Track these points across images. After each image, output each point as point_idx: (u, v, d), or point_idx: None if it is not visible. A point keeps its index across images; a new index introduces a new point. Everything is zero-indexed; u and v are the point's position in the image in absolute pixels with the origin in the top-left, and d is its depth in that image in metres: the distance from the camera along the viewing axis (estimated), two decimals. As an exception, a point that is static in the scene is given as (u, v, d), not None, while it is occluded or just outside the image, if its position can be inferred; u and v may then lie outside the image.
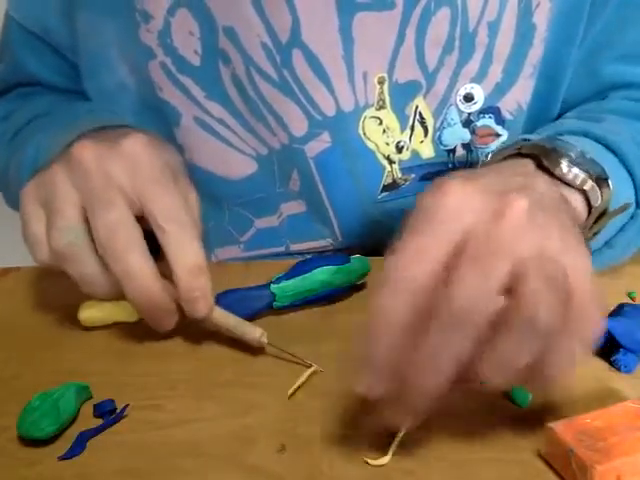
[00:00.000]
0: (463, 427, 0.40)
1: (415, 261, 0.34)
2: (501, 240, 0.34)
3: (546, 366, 0.35)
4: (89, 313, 0.48)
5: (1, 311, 0.51)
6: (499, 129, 0.59)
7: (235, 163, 0.59)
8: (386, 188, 0.59)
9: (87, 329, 0.49)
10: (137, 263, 0.43)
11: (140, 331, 0.48)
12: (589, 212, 0.43)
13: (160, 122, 0.59)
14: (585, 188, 0.42)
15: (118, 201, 0.44)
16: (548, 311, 0.33)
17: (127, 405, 0.42)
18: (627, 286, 0.52)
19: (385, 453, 0.38)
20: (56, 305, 0.51)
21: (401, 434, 0.39)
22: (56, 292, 0.53)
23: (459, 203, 0.35)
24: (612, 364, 0.45)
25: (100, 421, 0.41)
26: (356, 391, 0.35)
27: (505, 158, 0.44)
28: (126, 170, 0.45)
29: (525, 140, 0.45)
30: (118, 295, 0.44)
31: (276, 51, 0.55)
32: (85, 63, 0.61)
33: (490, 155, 0.46)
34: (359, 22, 0.54)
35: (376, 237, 0.60)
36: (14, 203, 0.70)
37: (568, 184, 0.42)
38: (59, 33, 0.61)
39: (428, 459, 0.38)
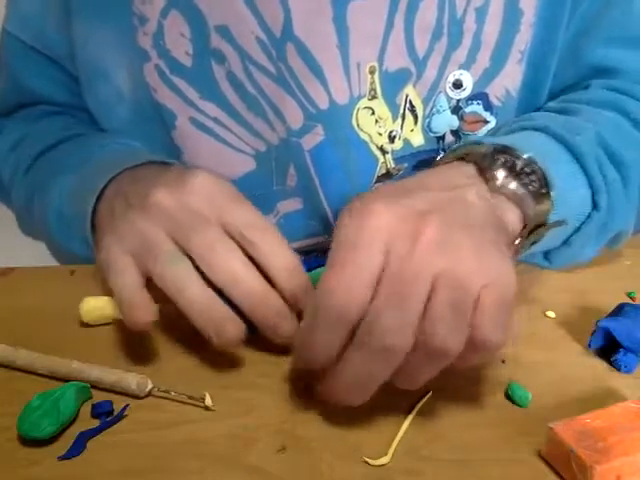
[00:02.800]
0: (463, 427, 0.40)
1: (341, 298, 0.37)
2: (414, 266, 0.36)
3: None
4: (90, 310, 0.48)
5: (1, 311, 0.51)
6: (487, 115, 0.59)
7: (233, 162, 0.59)
8: (380, 179, 0.60)
9: (87, 326, 0.49)
10: (242, 269, 0.43)
11: (140, 331, 0.48)
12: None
13: (157, 127, 0.59)
14: (519, 202, 0.42)
15: (208, 223, 0.44)
16: (446, 339, 0.36)
17: (127, 405, 0.42)
18: (627, 286, 0.52)
19: (385, 453, 0.38)
20: (56, 305, 0.51)
21: (401, 434, 0.39)
22: (56, 292, 0.53)
23: (378, 227, 0.37)
24: (612, 364, 0.45)
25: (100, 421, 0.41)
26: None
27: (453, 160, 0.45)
28: (204, 199, 0.45)
29: (476, 143, 0.45)
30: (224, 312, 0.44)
31: (271, 45, 0.55)
32: (83, 73, 0.61)
33: (439, 157, 0.47)
34: (352, 11, 0.54)
35: None
36: (33, 233, 0.70)
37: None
38: (58, 44, 0.61)
39: (428, 459, 0.38)
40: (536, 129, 0.50)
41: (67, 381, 0.43)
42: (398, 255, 0.36)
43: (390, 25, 0.55)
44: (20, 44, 0.63)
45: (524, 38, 0.57)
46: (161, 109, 0.58)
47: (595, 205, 0.48)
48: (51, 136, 0.64)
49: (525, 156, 0.43)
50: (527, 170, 0.43)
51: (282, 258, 0.44)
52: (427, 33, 0.56)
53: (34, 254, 0.73)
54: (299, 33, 0.54)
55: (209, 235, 0.44)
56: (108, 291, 0.50)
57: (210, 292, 0.43)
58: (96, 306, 0.48)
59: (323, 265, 0.49)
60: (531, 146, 0.45)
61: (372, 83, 0.57)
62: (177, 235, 0.44)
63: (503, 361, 0.45)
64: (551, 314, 0.49)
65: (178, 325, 0.48)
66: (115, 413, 0.42)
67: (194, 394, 0.42)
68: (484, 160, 0.43)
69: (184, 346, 0.47)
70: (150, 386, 0.43)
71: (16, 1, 0.63)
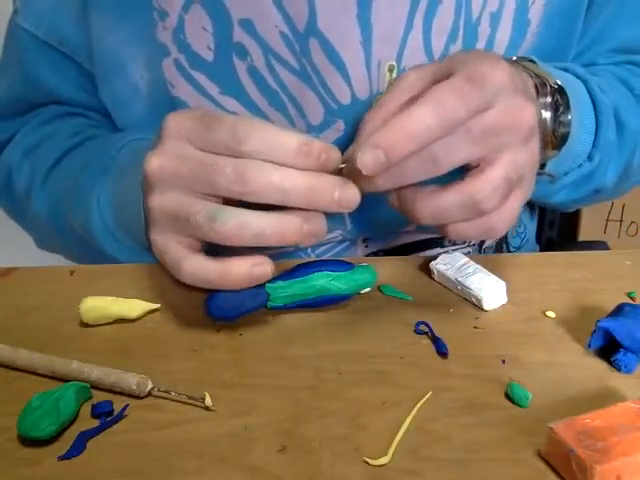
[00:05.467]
0: (463, 427, 0.40)
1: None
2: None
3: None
4: (90, 310, 0.48)
5: (1, 311, 0.51)
6: None
7: None
8: None
9: (87, 326, 0.49)
10: (276, 178, 0.42)
11: (140, 331, 0.48)
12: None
13: None
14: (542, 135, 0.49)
15: (210, 162, 0.43)
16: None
17: (127, 405, 0.42)
18: (627, 286, 0.52)
19: (385, 453, 0.38)
20: (56, 305, 0.51)
21: (401, 434, 0.39)
22: (56, 292, 0.53)
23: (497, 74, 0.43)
24: (612, 364, 0.45)
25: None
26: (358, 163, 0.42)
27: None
28: (184, 141, 0.45)
29: (531, 61, 0.53)
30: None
31: (295, 40, 0.55)
32: (99, 69, 0.61)
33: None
34: (376, 9, 0.55)
35: (385, 224, 0.62)
36: (48, 246, 0.69)
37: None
38: (74, 40, 0.61)
39: (428, 459, 0.38)
40: (578, 77, 0.57)
41: (67, 381, 0.43)
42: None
43: (410, 25, 0.56)
44: (34, 39, 0.63)
45: (526, 47, 0.59)
46: (178, 105, 0.58)
47: (589, 157, 0.55)
48: (65, 142, 0.64)
49: (569, 115, 0.49)
50: (562, 119, 0.50)
51: (286, 146, 0.43)
52: (444, 35, 0.57)
53: (34, 254, 0.73)
54: (323, 29, 0.55)
55: (222, 170, 0.43)
56: (108, 291, 0.50)
57: (267, 213, 0.43)
58: (96, 306, 0.48)
59: (324, 270, 0.48)
60: (574, 95, 0.50)
61: (390, 81, 0.57)
62: (196, 188, 0.44)
63: (503, 361, 0.45)
64: (551, 314, 0.49)
65: (178, 325, 0.49)
66: (115, 413, 0.42)
67: (194, 394, 0.42)
68: (543, 88, 0.50)
69: (184, 346, 0.47)
70: (150, 386, 0.43)
71: None
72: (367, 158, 0.41)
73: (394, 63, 0.57)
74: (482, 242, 0.69)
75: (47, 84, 0.65)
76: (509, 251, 0.72)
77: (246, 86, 0.57)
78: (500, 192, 0.44)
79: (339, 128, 0.58)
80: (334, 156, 0.44)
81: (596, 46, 0.65)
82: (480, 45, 0.58)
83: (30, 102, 0.67)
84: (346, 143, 0.57)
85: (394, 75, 0.57)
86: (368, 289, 0.50)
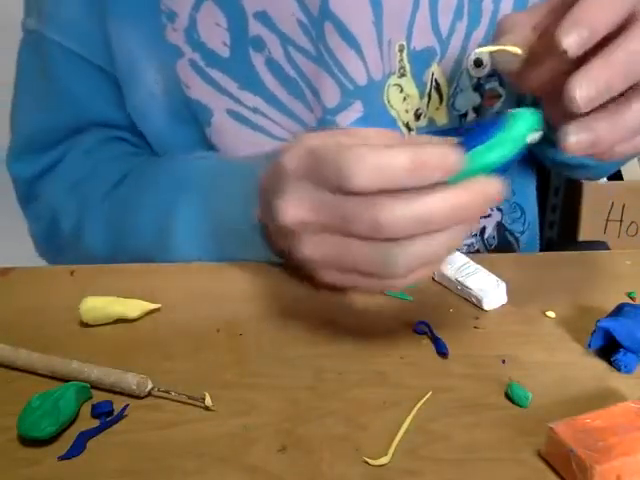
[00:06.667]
0: (463, 427, 0.40)
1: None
2: None
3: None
4: (90, 310, 0.48)
5: (1, 311, 0.51)
6: (501, 90, 0.62)
7: None
8: None
9: (87, 326, 0.49)
10: (404, 210, 0.39)
11: (141, 330, 0.48)
12: None
13: (191, 126, 0.59)
14: None
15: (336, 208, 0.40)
16: None
17: (127, 405, 0.42)
18: (627, 286, 0.52)
19: (385, 453, 0.38)
20: (56, 305, 0.51)
21: (401, 434, 0.39)
22: (56, 292, 0.53)
23: None
24: (612, 364, 0.45)
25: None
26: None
27: None
28: (309, 186, 0.41)
29: None
30: None
31: (311, 25, 0.56)
32: (120, 78, 0.59)
33: None
34: None
35: None
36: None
37: None
38: (103, 51, 0.58)
39: (428, 459, 0.38)
40: None
41: (67, 381, 0.43)
42: None
43: (417, 4, 0.57)
44: (65, 52, 0.59)
45: None
46: (195, 107, 0.58)
47: None
48: (113, 174, 0.60)
49: None
50: None
51: (397, 169, 0.38)
52: (450, 13, 0.57)
53: (34, 254, 0.73)
54: (335, 10, 0.55)
55: (355, 221, 0.39)
56: (108, 291, 0.50)
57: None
58: (96, 306, 0.48)
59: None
60: None
61: (401, 61, 0.58)
62: (342, 232, 0.40)
63: (503, 361, 0.45)
64: (551, 314, 0.49)
65: (178, 325, 0.49)
66: (115, 413, 0.42)
67: (194, 394, 0.42)
68: None
69: (184, 346, 0.47)
70: (150, 386, 0.43)
71: (57, 5, 0.59)
72: (572, 37, 0.38)
73: (404, 42, 0.57)
74: (483, 231, 0.69)
75: (84, 101, 0.61)
76: (514, 237, 0.72)
77: (264, 78, 0.57)
78: None
79: (357, 109, 0.58)
80: (451, 160, 0.39)
81: None
82: (484, 21, 0.58)
83: (65, 129, 0.63)
84: (365, 125, 0.58)
85: (404, 55, 0.58)
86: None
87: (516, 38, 0.43)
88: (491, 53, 0.44)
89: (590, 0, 0.39)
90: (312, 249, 0.42)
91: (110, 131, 0.64)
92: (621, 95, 0.40)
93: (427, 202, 0.38)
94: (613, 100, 0.40)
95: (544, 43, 0.42)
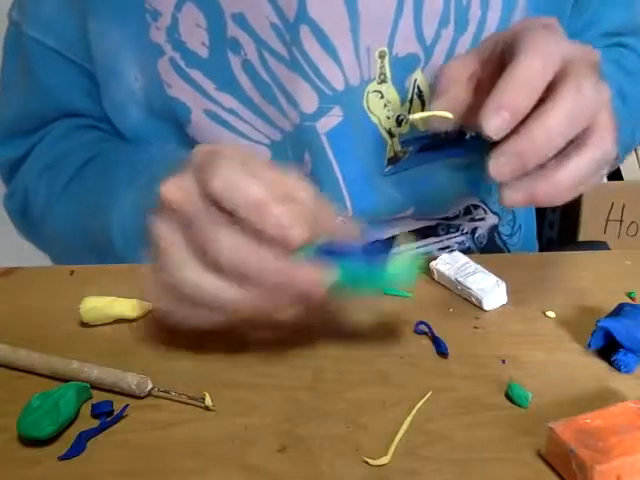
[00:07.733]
0: (463, 427, 0.40)
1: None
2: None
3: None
4: (90, 310, 0.48)
5: (1, 311, 0.51)
6: None
7: None
8: (390, 161, 0.61)
9: (87, 326, 0.49)
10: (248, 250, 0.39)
11: (140, 331, 0.48)
12: None
13: (170, 125, 0.60)
14: None
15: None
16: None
17: (127, 405, 0.42)
18: (627, 286, 0.52)
19: (385, 453, 0.38)
20: (56, 305, 0.51)
21: (401, 434, 0.39)
22: (56, 292, 0.53)
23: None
24: (612, 364, 0.45)
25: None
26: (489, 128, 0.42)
27: None
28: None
29: None
30: None
31: (285, 30, 0.55)
32: (99, 74, 0.60)
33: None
34: None
35: (385, 210, 0.63)
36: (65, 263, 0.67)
37: None
38: (80, 46, 0.60)
39: (428, 459, 0.38)
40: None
41: (67, 381, 0.43)
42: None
43: (400, 11, 0.56)
44: (43, 48, 0.62)
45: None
46: (174, 105, 0.58)
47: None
48: (78, 160, 0.62)
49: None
50: None
51: (248, 198, 0.39)
52: (435, 20, 0.57)
53: (34, 254, 0.73)
54: (314, 15, 0.55)
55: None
56: (108, 291, 0.50)
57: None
58: (96, 306, 0.49)
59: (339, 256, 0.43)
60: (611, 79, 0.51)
61: (382, 67, 0.58)
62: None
63: (503, 361, 0.45)
64: (551, 314, 0.49)
65: (178, 325, 0.48)
66: (115, 413, 0.42)
67: (194, 394, 0.42)
68: None
69: (184, 346, 0.47)
70: (150, 386, 0.43)
71: (36, 3, 0.61)
72: (494, 122, 0.42)
73: (385, 49, 0.57)
74: (474, 231, 0.69)
75: (58, 94, 0.63)
76: (502, 240, 0.72)
77: (241, 81, 0.57)
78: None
79: (337, 114, 0.58)
80: (292, 239, 0.39)
81: (587, 31, 0.66)
82: (471, 28, 0.58)
83: (42, 117, 0.65)
84: (343, 130, 0.58)
85: (385, 62, 0.57)
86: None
87: (447, 103, 0.47)
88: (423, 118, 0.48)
89: (512, 80, 0.42)
90: (165, 231, 0.42)
91: (85, 120, 0.66)
92: (564, 149, 0.43)
93: (253, 255, 0.39)
94: (554, 157, 0.42)
95: (480, 93, 0.46)
